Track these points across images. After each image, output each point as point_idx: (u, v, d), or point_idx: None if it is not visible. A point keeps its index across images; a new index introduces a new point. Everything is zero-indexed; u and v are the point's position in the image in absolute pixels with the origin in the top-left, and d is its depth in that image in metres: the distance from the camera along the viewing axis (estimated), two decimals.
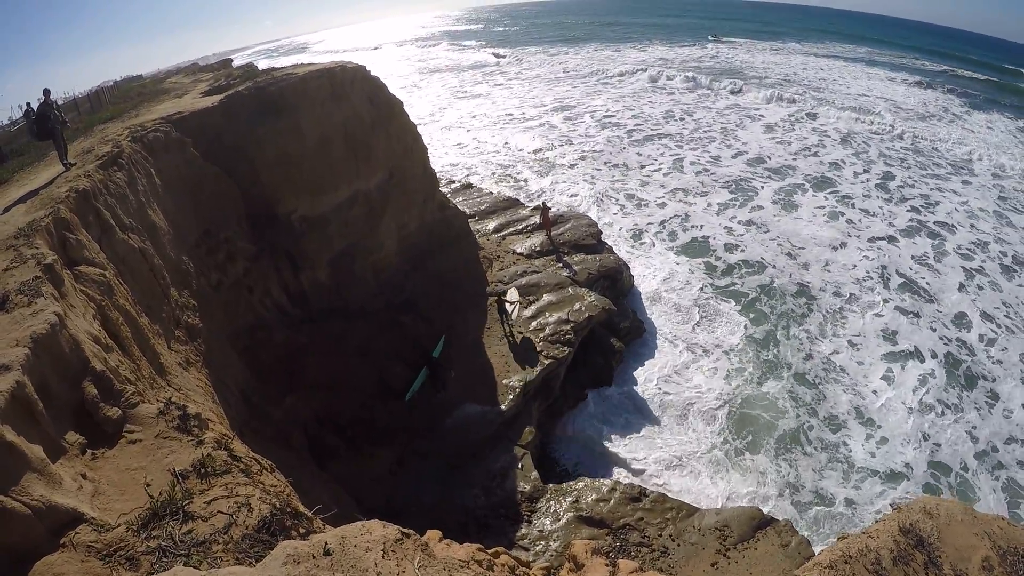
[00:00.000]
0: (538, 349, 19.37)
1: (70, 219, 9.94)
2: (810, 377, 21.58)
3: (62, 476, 5.75)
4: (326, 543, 3.81)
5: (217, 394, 12.08)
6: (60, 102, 15.57)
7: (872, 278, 28.02)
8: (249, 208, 16.52)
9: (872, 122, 53.60)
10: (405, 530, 4.27)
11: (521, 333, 20.19)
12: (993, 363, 22.95)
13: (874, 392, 21.03)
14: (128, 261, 11.22)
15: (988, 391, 21.57)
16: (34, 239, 8.82)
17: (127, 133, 13.37)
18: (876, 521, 4.62)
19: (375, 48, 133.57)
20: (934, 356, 22.97)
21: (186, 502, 5.59)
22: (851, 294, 26.85)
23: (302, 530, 5.79)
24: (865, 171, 41.97)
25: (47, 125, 12.28)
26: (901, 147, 47.91)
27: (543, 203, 28.35)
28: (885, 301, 26.24)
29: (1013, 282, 28.39)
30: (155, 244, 12.37)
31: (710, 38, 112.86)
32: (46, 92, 12.78)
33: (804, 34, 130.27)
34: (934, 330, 24.53)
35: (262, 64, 31.55)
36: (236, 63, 41.08)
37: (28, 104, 13.35)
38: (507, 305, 20.59)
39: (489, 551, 5.47)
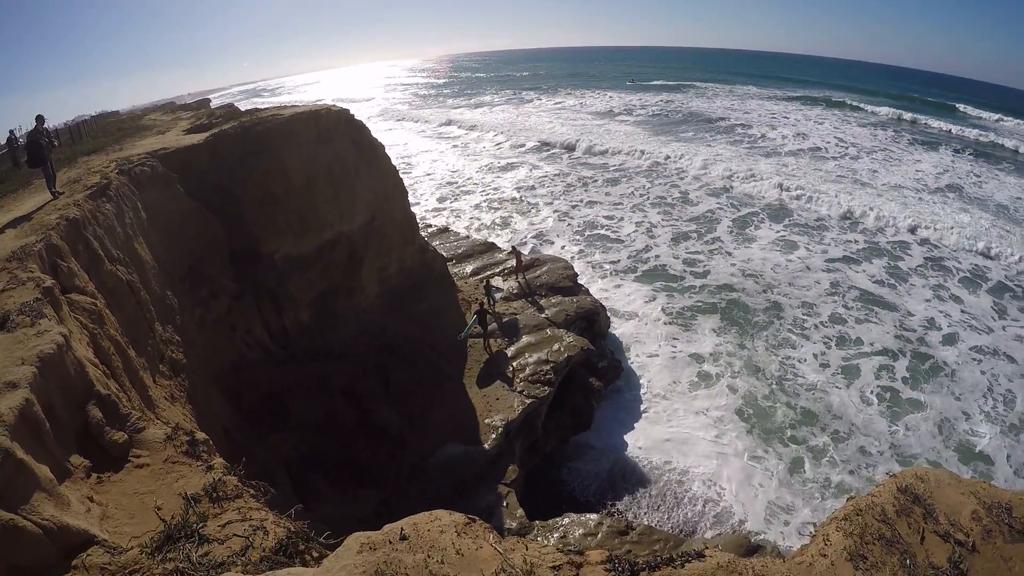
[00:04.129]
0: (519, 389, 19.37)
1: (61, 246, 9.79)
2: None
3: (70, 498, 5.56)
4: (401, 529, 3.79)
5: (201, 430, 11.76)
6: (51, 128, 15.32)
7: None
8: (233, 246, 16.42)
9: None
10: (471, 516, 4.31)
11: (498, 347, 21.06)
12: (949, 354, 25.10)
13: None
14: (115, 292, 11.02)
15: (947, 375, 23.64)
16: (27, 263, 8.66)
17: (114, 165, 13.31)
18: (875, 487, 5.36)
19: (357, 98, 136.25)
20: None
21: (200, 525, 5.44)
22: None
23: (315, 554, 5.68)
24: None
25: (40, 152, 12.09)
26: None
27: (514, 247, 28.86)
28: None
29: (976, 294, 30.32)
30: (141, 277, 12.19)
31: (628, 83, 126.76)
32: (39, 119, 12.58)
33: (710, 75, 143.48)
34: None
35: (241, 105, 31.72)
36: (214, 103, 41.13)
37: (11, 131, 13.15)
38: (494, 291, 21.92)
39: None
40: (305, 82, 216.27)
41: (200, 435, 7.20)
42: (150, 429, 6.94)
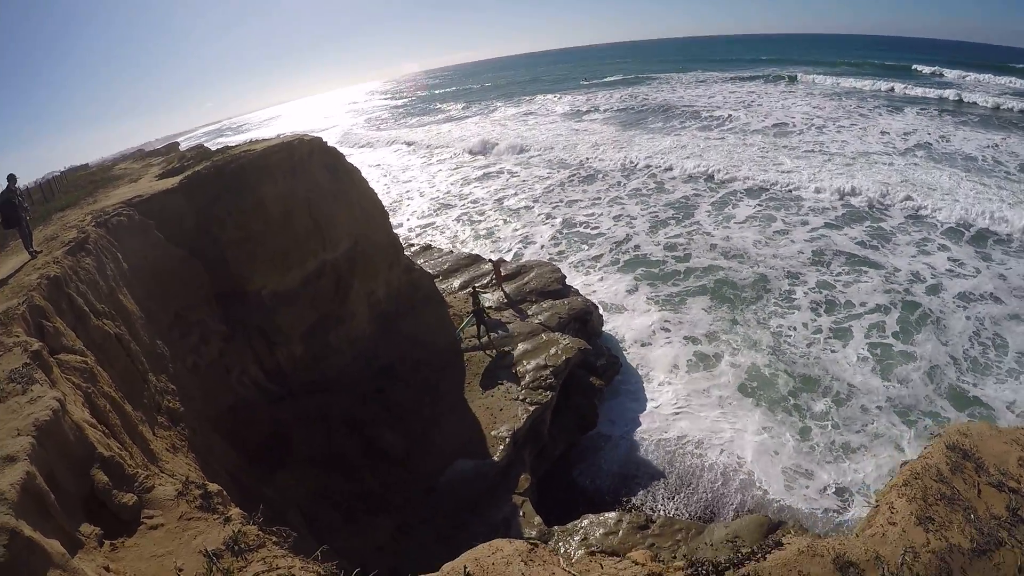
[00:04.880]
0: (521, 397, 19.27)
1: (44, 307, 9.58)
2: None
3: (85, 572, 5.34)
4: (465, 567, 3.68)
5: (207, 477, 11.55)
6: (23, 188, 15.03)
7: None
8: (218, 288, 16.21)
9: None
10: (532, 540, 4.21)
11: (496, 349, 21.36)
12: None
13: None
14: (105, 348, 10.80)
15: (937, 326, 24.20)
16: (12, 327, 8.45)
17: (90, 218, 13.09)
18: (924, 448, 5.67)
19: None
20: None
21: None
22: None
23: None
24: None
25: (14, 212, 11.85)
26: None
27: (491, 260, 28.92)
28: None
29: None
30: (129, 329, 11.97)
31: (582, 82, 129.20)
32: (11, 178, 12.30)
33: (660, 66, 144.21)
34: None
35: (209, 145, 31.45)
36: (183, 146, 40.79)
37: None
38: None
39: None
40: (268, 116, 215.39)
41: (213, 487, 7.02)
42: (160, 487, 6.77)
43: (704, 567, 4.41)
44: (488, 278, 27.49)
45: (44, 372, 7.55)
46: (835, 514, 16.26)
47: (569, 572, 3.91)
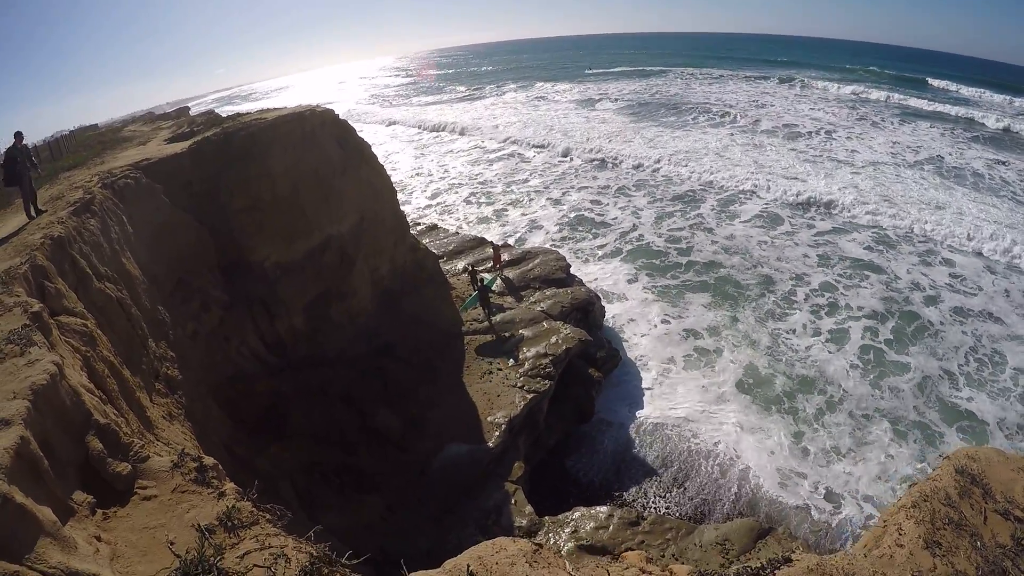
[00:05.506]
0: (519, 384, 19.21)
1: (47, 267, 9.45)
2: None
3: (76, 540, 5.25)
4: (468, 566, 3.60)
5: (202, 447, 11.49)
6: (30, 146, 14.78)
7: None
8: (222, 256, 16.08)
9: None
10: (536, 541, 4.13)
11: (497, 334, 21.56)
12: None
13: None
14: (106, 311, 10.68)
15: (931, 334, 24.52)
16: (13, 287, 8.32)
17: (96, 180, 12.89)
18: (933, 469, 5.80)
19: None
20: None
21: (218, 558, 5.11)
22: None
23: None
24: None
25: (15, 169, 11.64)
26: None
27: (492, 243, 28.91)
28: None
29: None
30: (131, 293, 11.85)
31: (587, 71, 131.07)
32: (18, 135, 12.07)
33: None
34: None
35: (220, 112, 31.13)
36: (193, 111, 40.44)
37: None
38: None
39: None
40: (278, 86, 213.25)
41: (208, 460, 6.92)
42: (155, 457, 6.67)
43: None
44: (492, 262, 27.38)
45: (43, 334, 7.42)
46: (825, 516, 16.39)
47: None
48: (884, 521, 5.21)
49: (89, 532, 5.55)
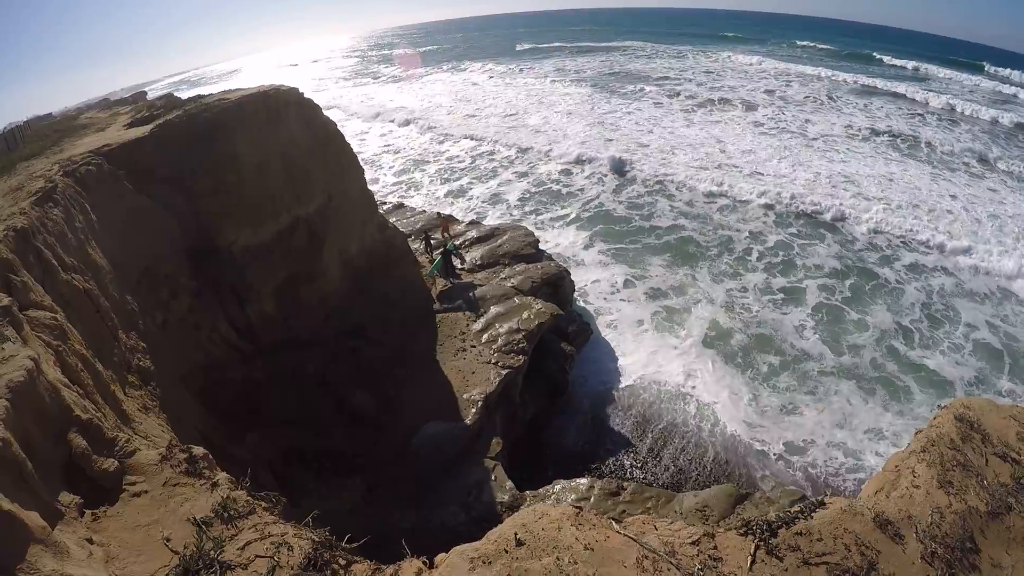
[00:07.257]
0: (493, 360, 19.39)
1: (11, 260, 9.15)
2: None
3: (68, 544, 5.14)
4: (515, 534, 3.69)
5: (179, 438, 11.38)
6: None
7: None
8: (188, 241, 15.71)
9: None
10: (576, 504, 4.34)
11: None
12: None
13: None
14: (74, 303, 10.41)
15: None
16: None
17: (57, 168, 12.43)
18: (933, 417, 6.27)
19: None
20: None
21: (218, 552, 5.09)
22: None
23: (342, 561, 5.47)
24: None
25: None
26: None
27: (438, 213, 29.83)
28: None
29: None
30: (99, 284, 11.54)
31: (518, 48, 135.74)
32: None
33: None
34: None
35: (179, 95, 30.12)
36: (150, 96, 39.05)
37: None
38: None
39: None
40: (228, 70, 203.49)
41: (198, 450, 6.87)
42: (142, 451, 6.61)
43: (759, 525, 4.81)
44: (461, 239, 27.34)
45: (15, 329, 7.24)
46: (800, 470, 17.41)
47: (624, 534, 4.00)
48: (896, 466, 5.74)
49: (80, 535, 5.42)
